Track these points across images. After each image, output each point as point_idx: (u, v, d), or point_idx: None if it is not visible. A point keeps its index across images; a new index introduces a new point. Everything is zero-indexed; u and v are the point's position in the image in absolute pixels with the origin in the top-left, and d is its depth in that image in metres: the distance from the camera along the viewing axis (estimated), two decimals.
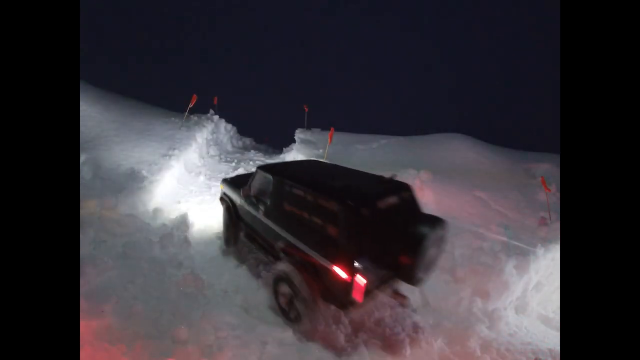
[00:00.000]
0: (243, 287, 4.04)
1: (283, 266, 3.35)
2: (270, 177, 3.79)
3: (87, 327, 2.98)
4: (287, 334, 3.34)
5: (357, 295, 2.71)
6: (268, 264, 4.12)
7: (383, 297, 3.23)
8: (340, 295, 2.88)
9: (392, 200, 3.10)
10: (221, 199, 5.05)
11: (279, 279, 3.38)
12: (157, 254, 4.46)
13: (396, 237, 2.92)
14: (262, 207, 3.90)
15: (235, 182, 4.80)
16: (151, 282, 3.84)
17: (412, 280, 2.99)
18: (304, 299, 3.12)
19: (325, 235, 2.99)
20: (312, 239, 3.13)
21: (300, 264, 3.21)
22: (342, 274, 2.78)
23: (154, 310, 3.41)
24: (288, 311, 3.42)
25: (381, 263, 2.88)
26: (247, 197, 4.20)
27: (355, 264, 2.71)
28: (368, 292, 2.78)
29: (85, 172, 5.62)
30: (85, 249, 4.04)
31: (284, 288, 3.34)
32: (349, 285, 2.73)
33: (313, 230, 3.13)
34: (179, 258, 4.45)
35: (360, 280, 2.68)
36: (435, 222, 3.04)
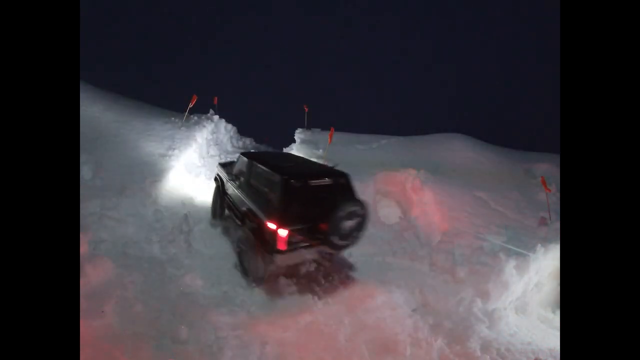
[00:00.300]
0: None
1: (240, 229, 4.43)
2: (245, 159, 4.92)
3: (88, 327, 2.98)
4: (288, 334, 3.34)
5: (280, 244, 3.55)
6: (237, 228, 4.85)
7: (309, 254, 3.92)
8: (269, 243, 3.66)
9: (324, 182, 3.97)
10: (215, 179, 6.06)
11: (238, 239, 4.52)
12: (157, 254, 4.46)
13: (320, 209, 3.69)
14: (237, 183, 4.96)
15: (226, 165, 5.99)
16: (151, 282, 3.84)
17: (328, 244, 3.79)
18: (247, 250, 4.14)
19: (269, 200, 3.94)
20: (261, 204, 4.07)
21: (252, 226, 4.10)
22: (271, 226, 3.62)
23: (154, 310, 3.41)
24: (242, 265, 4.34)
25: (305, 226, 3.71)
26: (229, 175, 5.29)
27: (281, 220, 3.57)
28: (291, 243, 3.62)
29: (85, 172, 5.62)
30: (85, 249, 4.04)
31: (241, 246, 4.38)
32: (274, 234, 3.55)
33: (262, 198, 4.10)
34: (179, 258, 4.46)
35: (282, 232, 3.54)
36: (357, 203, 3.89)
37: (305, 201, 3.77)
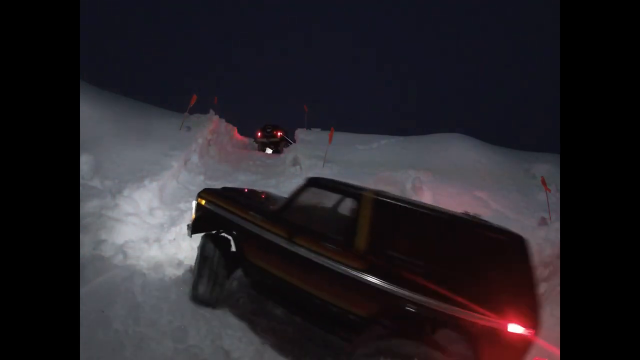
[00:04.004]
0: None
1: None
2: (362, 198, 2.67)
3: (87, 327, 2.97)
4: (290, 327, 3.33)
5: None
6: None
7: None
8: None
9: None
10: (197, 220, 3.54)
11: None
12: (156, 254, 4.46)
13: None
14: (334, 258, 2.56)
15: (235, 199, 3.44)
16: (151, 282, 3.83)
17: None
18: None
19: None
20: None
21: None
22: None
23: (153, 310, 3.41)
24: None
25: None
26: (285, 233, 2.82)
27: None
28: None
29: (85, 172, 5.62)
30: (85, 249, 4.04)
31: None
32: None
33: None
34: (179, 258, 4.45)
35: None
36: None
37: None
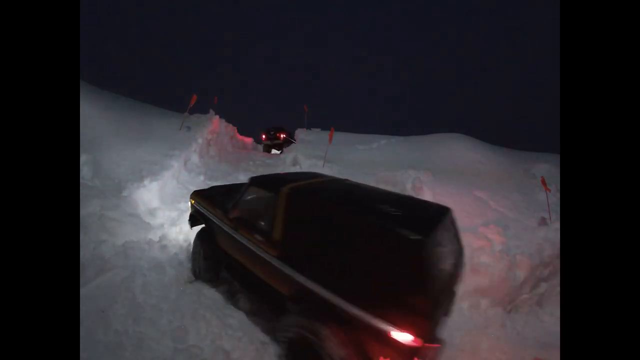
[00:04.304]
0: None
1: (289, 318, 2.63)
2: (269, 194, 3.09)
3: (87, 327, 2.98)
4: None
5: None
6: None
7: None
8: None
9: (444, 230, 2.65)
10: (191, 217, 4.20)
11: (289, 339, 2.62)
12: (157, 254, 4.46)
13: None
14: (259, 237, 3.05)
15: (213, 196, 3.99)
16: (151, 282, 3.83)
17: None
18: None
19: (382, 284, 2.27)
20: (351, 289, 2.35)
21: (329, 326, 2.36)
22: (403, 338, 2.06)
23: (153, 310, 3.41)
24: None
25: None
26: (233, 221, 3.38)
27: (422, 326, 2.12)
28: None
29: (85, 172, 5.62)
30: (85, 249, 4.04)
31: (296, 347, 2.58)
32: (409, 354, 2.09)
33: (352, 276, 2.37)
34: (179, 258, 4.46)
35: (429, 350, 2.16)
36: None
37: (440, 270, 2.31)
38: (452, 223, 2.87)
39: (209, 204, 3.91)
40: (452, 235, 2.77)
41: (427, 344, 2.02)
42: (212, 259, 3.85)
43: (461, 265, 2.99)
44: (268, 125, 16.06)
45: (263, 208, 3.14)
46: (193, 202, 4.28)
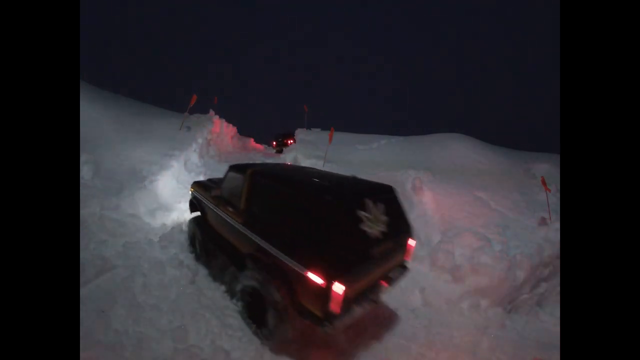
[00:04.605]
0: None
1: (245, 277, 3.24)
2: (240, 175, 3.82)
3: (87, 327, 2.97)
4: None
5: (335, 305, 2.52)
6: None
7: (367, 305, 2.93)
8: (315, 304, 2.65)
9: (375, 201, 3.06)
10: (191, 203, 4.94)
11: (242, 290, 3.32)
12: (157, 254, 4.47)
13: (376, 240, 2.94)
14: (231, 210, 3.75)
15: (206, 185, 4.74)
16: (151, 282, 3.84)
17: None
18: (267, 308, 2.96)
19: (305, 236, 2.85)
20: (286, 242, 2.95)
21: (272, 274, 2.97)
22: (316, 279, 2.56)
23: (153, 310, 3.41)
24: (251, 319, 3.31)
25: (366, 269, 2.86)
26: (215, 199, 4.17)
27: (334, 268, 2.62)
28: (349, 300, 2.69)
29: (85, 172, 5.62)
30: (85, 249, 4.04)
31: (249, 299, 3.29)
32: (324, 293, 2.55)
33: (288, 233, 2.98)
34: (179, 258, 4.46)
35: (338, 287, 2.52)
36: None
37: (358, 231, 2.72)
38: (392, 200, 3.27)
39: (203, 190, 4.64)
40: (391, 210, 3.15)
41: (332, 285, 2.42)
42: (203, 236, 4.47)
43: (404, 239, 3.35)
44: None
45: (235, 187, 3.80)
46: (192, 190, 5.00)
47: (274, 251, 2.93)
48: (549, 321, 4.62)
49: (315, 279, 2.50)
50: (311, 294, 2.59)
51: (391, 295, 4.21)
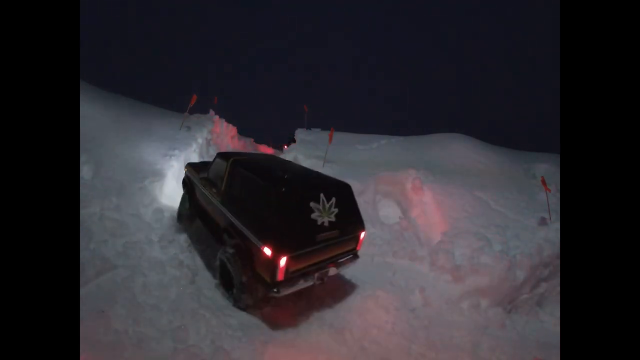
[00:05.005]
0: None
1: (222, 247, 3.87)
2: (224, 162, 4.41)
3: (88, 327, 2.97)
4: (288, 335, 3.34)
5: (280, 274, 3.17)
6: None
7: (310, 280, 3.49)
8: (264, 272, 3.32)
9: (326, 194, 3.58)
10: (183, 181, 5.66)
11: (219, 257, 3.88)
12: (157, 254, 4.46)
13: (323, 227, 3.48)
14: (214, 190, 4.35)
15: (198, 166, 5.39)
16: (151, 282, 3.83)
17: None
18: (234, 275, 3.60)
19: (261, 217, 3.48)
20: (249, 221, 3.58)
21: (238, 248, 3.62)
22: (266, 251, 3.22)
23: (153, 310, 3.41)
24: (223, 284, 3.96)
25: (309, 249, 3.38)
26: (203, 180, 4.76)
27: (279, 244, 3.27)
28: (291, 272, 3.27)
29: (85, 172, 5.62)
30: (85, 249, 4.04)
31: (224, 264, 3.83)
32: (271, 263, 3.20)
33: (251, 213, 3.63)
34: (179, 258, 4.46)
35: (282, 259, 3.17)
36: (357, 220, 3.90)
37: (307, 218, 3.28)
38: (346, 196, 3.77)
39: (194, 171, 5.15)
40: (343, 204, 3.65)
41: (278, 258, 3.06)
42: (191, 209, 5.20)
43: (354, 230, 3.79)
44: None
45: (219, 170, 4.36)
46: (186, 170, 5.54)
47: (241, 227, 3.56)
48: (549, 321, 4.62)
49: (267, 252, 3.12)
50: (263, 264, 3.23)
51: (392, 295, 4.21)
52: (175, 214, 5.53)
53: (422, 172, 6.63)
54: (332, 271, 3.59)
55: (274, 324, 3.49)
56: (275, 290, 3.16)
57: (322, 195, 3.43)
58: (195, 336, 3.15)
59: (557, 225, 5.36)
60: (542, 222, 5.63)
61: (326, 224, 3.38)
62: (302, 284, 3.33)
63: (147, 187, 5.87)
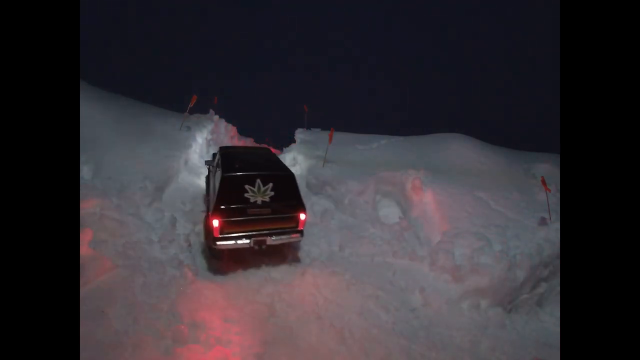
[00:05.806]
0: None
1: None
2: (216, 154, 5.65)
3: (88, 327, 2.97)
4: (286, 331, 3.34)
5: (215, 232, 4.32)
6: None
7: (243, 243, 4.44)
8: (209, 230, 4.44)
9: (266, 179, 4.60)
10: (208, 161, 6.69)
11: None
12: (157, 254, 4.47)
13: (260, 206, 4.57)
14: (211, 176, 5.59)
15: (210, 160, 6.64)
16: (151, 282, 3.84)
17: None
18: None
19: (214, 192, 4.66)
20: (211, 195, 4.90)
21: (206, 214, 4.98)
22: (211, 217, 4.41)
23: (154, 310, 3.41)
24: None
25: (240, 219, 4.48)
26: (211, 168, 5.96)
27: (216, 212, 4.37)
28: (224, 232, 4.37)
29: (85, 172, 5.62)
30: (85, 249, 4.04)
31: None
32: (211, 224, 4.38)
33: (213, 190, 4.89)
34: (179, 258, 4.46)
35: (215, 222, 4.33)
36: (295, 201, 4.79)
37: (240, 197, 4.35)
38: (288, 183, 4.67)
39: (212, 160, 6.22)
40: (283, 189, 4.58)
41: (213, 220, 4.23)
42: (207, 189, 6.17)
43: (292, 211, 4.65)
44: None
45: (217, 158, 5.34)
46: (216, 152, 6.28)
47: (208, 200, 5.08)
48: (549, 321, 4.62)
49: (210, 216, 4.28)
50: (209, 225, 4.34)
51: (392, 295, 4.21)
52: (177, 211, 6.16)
53: (422, 172, 6.62)
54: (269, 241, 4.51)
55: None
56: (214, 244, 4.29)
57: (258, 180, 4.43)
58: (195, 335, 3.15)
59: (557, 225, 5.36)
60: (542, 222, 5.63)
61: (259, 202, 4.41)
62: (238, 245, 4.38)
63: (147, 187, 5.87)
